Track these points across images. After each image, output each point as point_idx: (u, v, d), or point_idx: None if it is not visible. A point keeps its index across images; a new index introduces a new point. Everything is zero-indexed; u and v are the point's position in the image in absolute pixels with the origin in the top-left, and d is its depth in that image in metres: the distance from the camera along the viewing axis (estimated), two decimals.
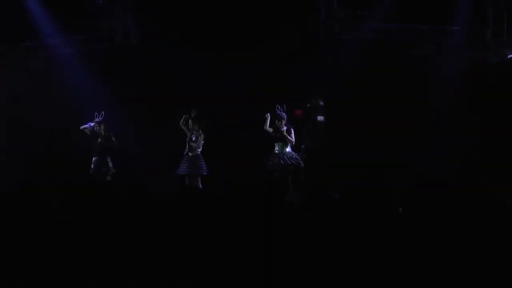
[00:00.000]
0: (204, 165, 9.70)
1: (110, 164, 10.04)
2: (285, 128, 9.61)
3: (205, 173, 9.70)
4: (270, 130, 9.62)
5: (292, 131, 9.63)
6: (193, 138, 9.70)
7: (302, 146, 9.96)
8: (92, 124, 9.95)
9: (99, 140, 9.98)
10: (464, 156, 9.87)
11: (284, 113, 9.65)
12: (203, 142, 9.74)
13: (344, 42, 10.60)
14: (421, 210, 5.08)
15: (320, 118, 10.01)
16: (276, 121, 9.59)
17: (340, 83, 10.48)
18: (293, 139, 9.60)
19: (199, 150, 9.73)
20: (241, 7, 10.74)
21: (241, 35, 10.65)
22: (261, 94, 10.54)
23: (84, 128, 10.04)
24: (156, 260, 4.49)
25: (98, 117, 10.02)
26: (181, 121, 9.79)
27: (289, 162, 9.55)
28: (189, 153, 9.70)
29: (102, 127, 9.97)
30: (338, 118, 10.51)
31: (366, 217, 4.90)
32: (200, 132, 9.72)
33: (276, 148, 9.64)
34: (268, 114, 9.58)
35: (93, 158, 10.07)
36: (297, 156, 9.66)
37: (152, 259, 4.49)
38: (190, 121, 9.73)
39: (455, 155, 9.96)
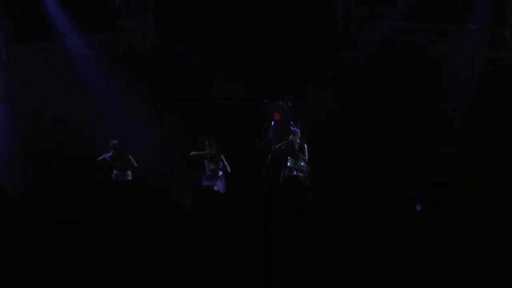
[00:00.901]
0: (224, 185, 9.65)
1: (130, 177, 10.05)
2: (298, 142, 9.43)
3: (223, 192, 9.61)
4: (283, 147, 9.49)
5: (306, 147, 9.41)
6: (216, 165, 9.62)
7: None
8: (109, 155, 9.92)
9: (117, 163, 9.97)
10: (481, 156, 9.75)
11: (298, 129, 9.49)
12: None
13: (360, 41, 10.53)
14: (437, 210, 5.07)
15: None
16: (291, 136, 9.38)
17: (356, 82, 10.44)
18: (306, 156, 9.39)
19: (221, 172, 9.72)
20: (258, 5, 10.75)
21: (257, 33, 10.64)
22: (277, 93, 10.54)
23: (102, 158, 10.03)
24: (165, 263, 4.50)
25: (112, 143, 9.92)
26: (194, 153, 9.72)
27: (301, 174, 9.40)
28: (211, 175, 9.63)
29: (118, 152, 9.87)
30: (355, 117, 10.49)
31: (381, 217, 4.89)
32: (220, 156, 9.66)
33: (289, 162, 9.48)
34: (292, 137, 9.39)
35: (115, 171, 10.06)
36: (308, 169, 9.50)
37: (161, 261, 4.50)
38: (207, 150, 9.63)
39: (471, 155, 9.86)
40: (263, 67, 10.74)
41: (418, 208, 5.63)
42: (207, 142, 9.51)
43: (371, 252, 4.52)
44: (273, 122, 10.21)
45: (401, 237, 4.63)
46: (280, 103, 9.98)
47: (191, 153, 9.60)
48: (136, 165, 9.80)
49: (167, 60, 11.01)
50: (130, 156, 9.73)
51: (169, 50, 11.03)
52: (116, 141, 9.74)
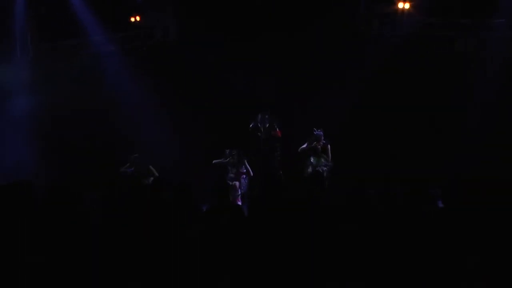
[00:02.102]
0: (246, 185, 9.71)
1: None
2: (322, 143, 9.56)
3: (245, 191, 9.72)
4: (307, 150, 9.58)
5: (329, 148, 9.55)
6: (239, 169, 9.68)
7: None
8: (131, 170, 10.01)
9: (139, 176, 10.03)
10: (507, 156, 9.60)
11: (321, 132, 9.59)
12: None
13: (383, 37, 10.40)
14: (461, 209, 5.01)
15: (261, 135, 10.11)
16: (315, 142, 9.57)
17: (378, 79, 10.36)
18: (330, 156, 9.53)
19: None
20: (281, 2, 10.72)
21: (279, 30, 10.59)
22: (300, 90, 10.54)
23: (124, 171, 10.14)
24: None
25: (132, 158, 10.01)
26: (216, 161, 9.77)
27: (324, 169, 9.47)
28: (234, 177, 9.65)
29: (139, 166, 9.96)
30: (376, 114, 10.42)
31: (405, 214, 4.85)
32: (244, 163, 9.72)
33: (312, 159, 9.61)
34: (315, 143, 9.52)
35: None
36: (331, 165, 9.59)
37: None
38: (229, 159, 9.68)
39: (497, 154, 9.73)
40: (284, 65, 10.71)
41: (440, 204, 5.59)
42: (227, 152, 9.62)
43: (394, 251, 4.50)
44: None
45: (424, 237, 4.58)
46: (259, 124, 10.06)
47: (214, 162, 9.74)
48: (157, 175, 9.84)
49: (189, 57, 11.03)
50: (151, 167, 9.82)
51: (191, 46, 11.04)
52: (137, 155, 9.86)
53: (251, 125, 10.04)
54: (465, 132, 10.17)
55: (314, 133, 9.58)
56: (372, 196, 5.29)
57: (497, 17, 10.31)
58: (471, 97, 10.26)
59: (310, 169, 9.55)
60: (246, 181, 9.70)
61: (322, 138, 9.54)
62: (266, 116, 10.07)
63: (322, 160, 9.52)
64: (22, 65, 11.36)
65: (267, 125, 10.04)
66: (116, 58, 11.28)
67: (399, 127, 10.47)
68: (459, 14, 10.28)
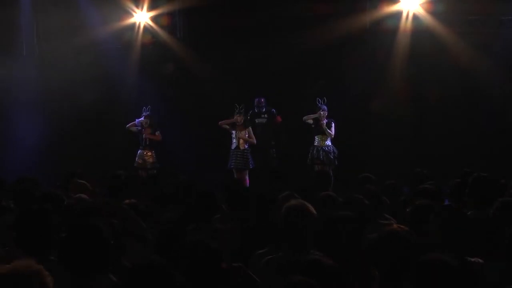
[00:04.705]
0: (251, 160, 9.73)
1: (154, 159, 10.15)
2: (326, 121, 9.57)
3: (251, 167, 9.75)
4: (310, 122, 9.60)
5: (333, 125, 9.61)
6: (242, 134, 9.67)
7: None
8: (139, 120, 10.11)
9: (144, 135, 10.12)
10: None
11: (325, 106, 9.62)
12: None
13: (391, 33, 10.30)
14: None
15: (260, 120, 10.15)
16: (321, 112, 9.59)
17: (390, 75, 10.28)
18: (333, 133, 9.58)
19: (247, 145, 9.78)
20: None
21: (286, 25, 10.52)
22: (306, 87, 10.47)
23: (131, 125, 10.20)
24: None
25: (145, 111, 10.17)
26: (223, 122, 9.79)
27: (328, 156, 9.50)
28: (238, 148, 9.72)
29: (148, 121, 10.11)
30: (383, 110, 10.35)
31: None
32: (248, 127, 9.75)
33: (316, 141, 9.64)
34: (321, 112, 9.57)
35: (138, 151, 10.22)
36: (335, 150, 9.60)
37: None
38: (236, 117, 9.70)
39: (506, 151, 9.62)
40: (292, 62, 10.63)
41: (446, 202, 5.51)
42: (236, 109, 9.58)
43: None
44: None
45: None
46: (256, 109, 10.14)
47: (220, 122, 9.75)
48: (160, 139, 10.05)
49: (195, 55, 10.99)
50: (158, 132, 10.09)
51: (198, 46, 11.00)
52: (149, 107, 10.15)
53: (249, 112, 10.05)
54: (478, 128, 10.06)
55: (318, 105, 9.61)
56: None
57: (504, 15, 10.13)
58: (483, 91, 10.13)
59: (314, 152, 9.55)
60: (249, 155, 9.70)
61: (326, 111, 9.55)
62: (262, 100, 10.06)
63: (326, 141, 9.52)
64: (28, 63, 11.35)
65: (264, 109, 10.08)
66: (123, 56, 11.24)
67: (405, 123, 10.39)
68: (467, 10, 10.09)
